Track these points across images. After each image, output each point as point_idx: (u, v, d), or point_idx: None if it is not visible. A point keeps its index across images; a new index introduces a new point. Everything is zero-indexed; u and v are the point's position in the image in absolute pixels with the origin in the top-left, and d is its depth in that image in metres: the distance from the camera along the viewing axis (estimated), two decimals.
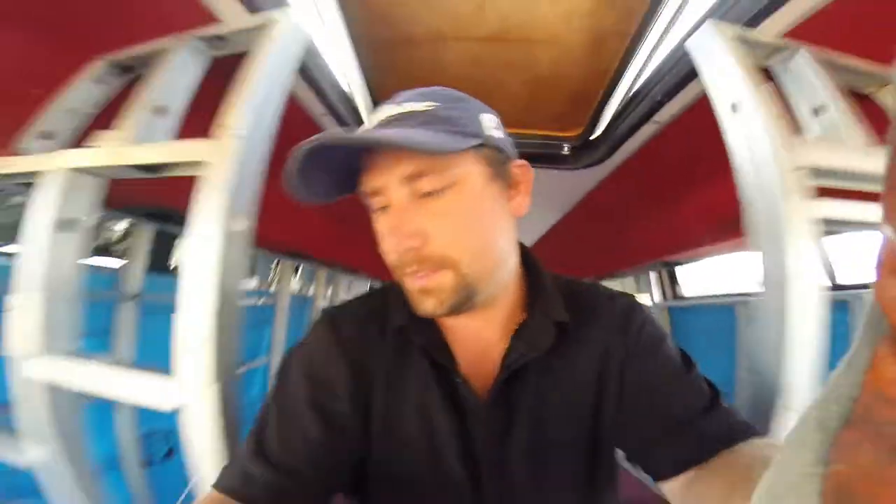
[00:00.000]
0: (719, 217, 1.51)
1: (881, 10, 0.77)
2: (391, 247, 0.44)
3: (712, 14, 0.92)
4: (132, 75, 0.92)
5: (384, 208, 0.44)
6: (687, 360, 0.51)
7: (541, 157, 1.63)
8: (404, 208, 0.42)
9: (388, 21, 1.12)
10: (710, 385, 0.49)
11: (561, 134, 1.60)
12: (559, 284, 0.55)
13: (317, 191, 0.44)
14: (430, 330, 0.51)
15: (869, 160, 0.74)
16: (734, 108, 0.77)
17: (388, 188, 0.43)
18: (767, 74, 0.85)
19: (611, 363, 0.51)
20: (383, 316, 0.53)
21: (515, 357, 0.49)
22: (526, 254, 0.55)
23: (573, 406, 0.51)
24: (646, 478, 0.66)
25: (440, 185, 0.42)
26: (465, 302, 0.45)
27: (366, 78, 1.33)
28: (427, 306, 0.45)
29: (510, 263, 0.50)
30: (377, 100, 1.41)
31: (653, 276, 2.66)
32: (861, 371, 0.15)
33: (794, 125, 0.80)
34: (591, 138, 1.57)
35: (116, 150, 0.73)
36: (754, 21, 0.85)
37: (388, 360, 0.52)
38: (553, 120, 1.54)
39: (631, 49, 1.17)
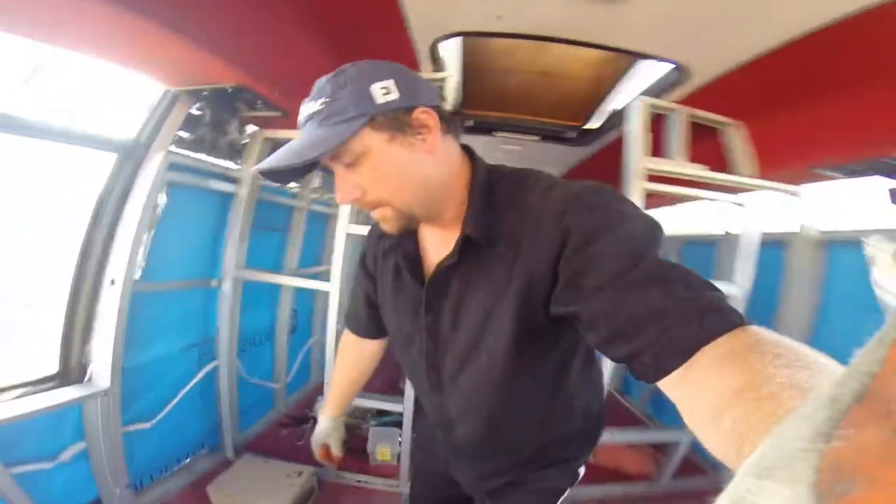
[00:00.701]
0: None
1: (731, 85, 1.66)
2: (341, 202, 0.60)
3: (655, 81, 1.89)
4: None
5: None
6: (646, 246, 0.49)
7: (554, 136, 2.69)
8: (343, 175, 0.59)
9: (481, 59, 2.08)
10: (683, 271, 0.46)
11: (569, 123, 2.64)
12: (501, 186, 0.64)
13: (295, 174, 0.63)
14: (407, 237, 0.70)
15: (680, 167, 1.80)
16: (630, 140, 1.81)
17: (330, 165, 0.60)
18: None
19: (542, 256, 0.55)
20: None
21: (443, 261, 0.65)
22: (476, 168, 0.65)
23: (491, 296, 0.61)
24: None
25: (354, 159, 0.57)
26: (409, 222, 0.62)
27: (464, 90, 2.36)
28: (385, 228, 0.64)
29: (442, 184, 0.62)
30: (465, 102, 2.45)
31: None
32: (887, 346, 0.14)
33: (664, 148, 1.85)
34: (586, 128, 2.61)
35: None
36: (670, 90, 1.80)
37: (380, 258, 0.80)
38: (566, 116, 2.58)
39: (615, 84, 2.17)
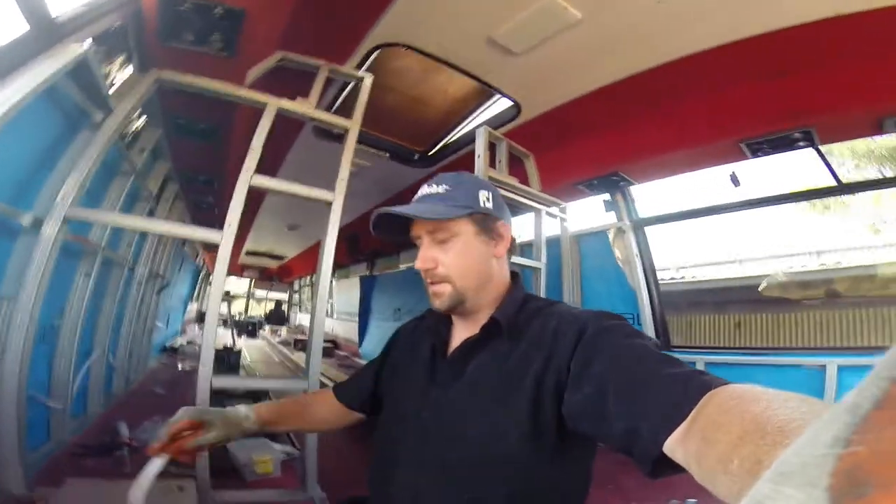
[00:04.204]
0: None
1: (533, 128, 2.57)
2: (419, 266, 0.74)
3: (492, 119, 2.67)
4: None
5: (419, 245, 0.76)
6: (642, 343, 0.57)
7: (402, 156, 3.23)
8: (429, 246, 0.74)
9: (379, 74, 2.43)
10: (669, 357, 0.54)
11: (416, 147, 3.25)
12: (532, 303, 0.77)
13: (391, 234, 0.79)
14: (444, 324, 0.82)
15: (506, 179, 2.57)
16: (478, 157, 2.48)
17: (420, 236, 0.75)
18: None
19: (549, 363, 0.64)
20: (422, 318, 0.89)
21: (468, 338, 0.75)
22: (517, 284, 0.80)
23: (505, 383, 0.68)
24: None
25: (446, 236, 0.73)
26: (458, 304, 0.74)
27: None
28: (436, 303, 0.76)
29: (493, 285, 0.77)
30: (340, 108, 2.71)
31: None
32: None
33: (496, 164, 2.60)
34: (429, 153, 3.27)
35: None
36: (504, 124, 2.58)
37: (411, 343, 0.88)
38: (415, 140, 3.17)
39: (462, 118, 2.87)
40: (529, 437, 0.63)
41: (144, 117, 2.27)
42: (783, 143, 1.99)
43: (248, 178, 1.71)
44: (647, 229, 2.91)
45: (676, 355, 0.54)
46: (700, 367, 2.39)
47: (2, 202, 1.38)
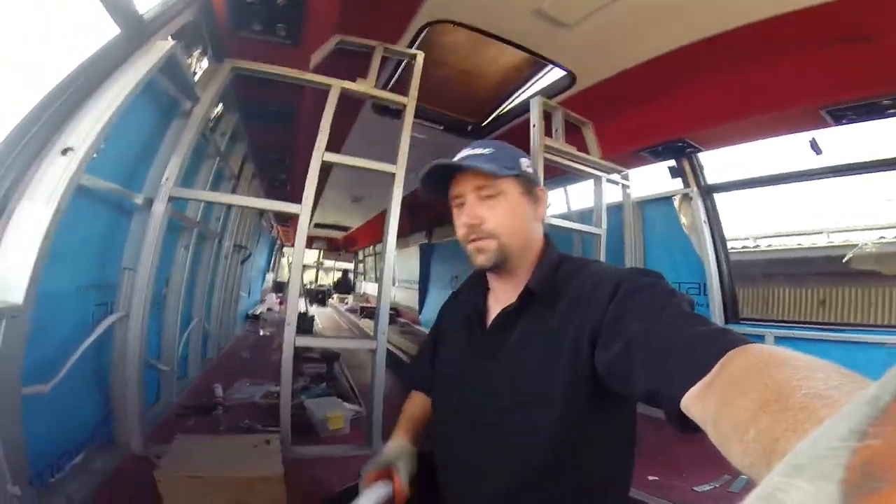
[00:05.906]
0: None
1: (591, 96, 2.49)
2: (463, 223, 0.76)
3: (546, 88, 2.62)
4: None
5: (461, 205, 0.78)
6: (674, 302, 0.57)
7: (455, 128, 3.26)
8: (475, 203, 0.75)
9: (428, 50, 2.41)
10: (700, 316, 0.54)
11: (469, 119, 3.26)
12: (567, 264, 0.78)
13: (435, 191, 0.81)
14: (478, 294, 0.85)
15: (563, 147, 2.53)
16: (533, 126, 2.46)
17: (464, 194, 0.76)
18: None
19: (585, 321, 0.65)
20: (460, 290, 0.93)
21: (506, 307, 0.77)
22: (550, 246, 0.82)
23: (547, 346, 0.70)
24: None
25: (493, 193, 0.75)
26: (502, 260, 0.76)
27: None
28: (479, 260, 0.76)
29: (532, 247, 0.79)
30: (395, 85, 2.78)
31: None
32: None
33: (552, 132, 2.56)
34: (482, 125, 3.27)
35: None
36: (559, 93, 2.52)
37: (452, 313, 0.92)
38: (469, 112, 3.18)
39: (515, 89, 2.83)
40: (570, 396, 0.66)
41: (222, 104, 2.50)
42: (872, 111, 1.78)
43: (319, 155, 1.88)
44: (721, 196, 2.73)
45: (745, 329, 0.57)
46: (769, 342, 2.26)
47: (117, 185, 1.57)
